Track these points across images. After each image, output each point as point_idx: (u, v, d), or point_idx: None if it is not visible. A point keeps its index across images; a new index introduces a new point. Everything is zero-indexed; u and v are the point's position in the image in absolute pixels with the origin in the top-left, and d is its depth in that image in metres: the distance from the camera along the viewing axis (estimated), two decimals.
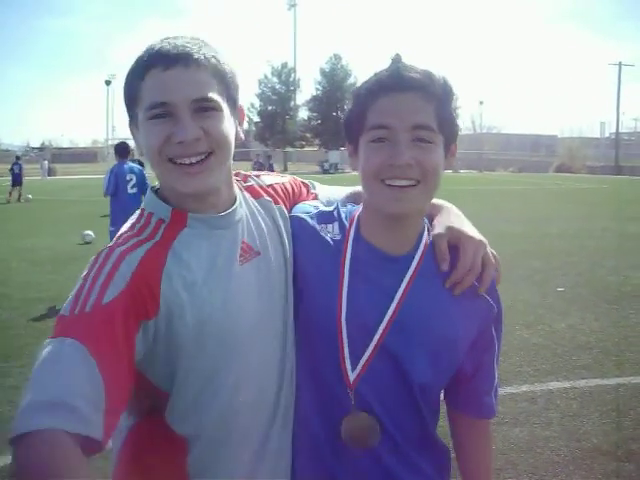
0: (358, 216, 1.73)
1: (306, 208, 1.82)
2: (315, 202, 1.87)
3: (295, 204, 1.83)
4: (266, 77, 78.02)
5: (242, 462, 1.55)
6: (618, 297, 9.08)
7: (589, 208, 22.77)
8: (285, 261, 1.68)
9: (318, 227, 1.75)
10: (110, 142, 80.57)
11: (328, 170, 56.01)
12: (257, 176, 1.81)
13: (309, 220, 1.76)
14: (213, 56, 1.49)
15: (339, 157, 61.01)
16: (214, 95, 1.46)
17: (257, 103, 78.11)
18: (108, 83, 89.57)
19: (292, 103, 77.90)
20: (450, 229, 1.68)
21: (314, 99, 75.07)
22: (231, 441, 1.54)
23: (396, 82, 1.56)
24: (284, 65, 77.86)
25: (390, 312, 1.60)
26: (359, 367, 1.61)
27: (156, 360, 1.43)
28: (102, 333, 1.28)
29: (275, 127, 76.29)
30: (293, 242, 1.73)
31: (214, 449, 1.52)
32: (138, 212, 1.57)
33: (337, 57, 76.47)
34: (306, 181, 1.96)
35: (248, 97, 76.27)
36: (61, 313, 1.32)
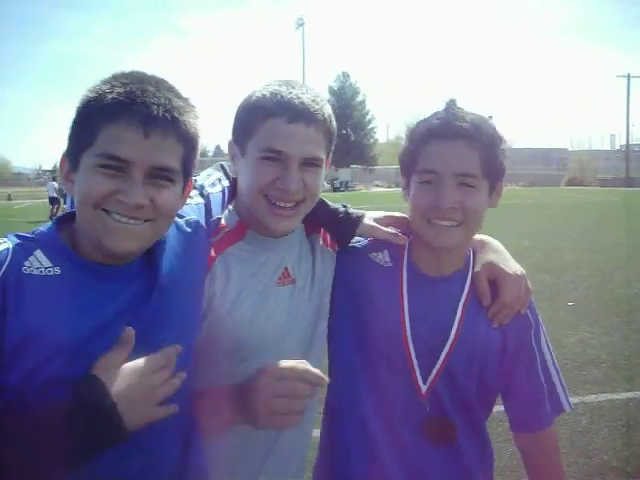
0: (409, 244, 1.87)
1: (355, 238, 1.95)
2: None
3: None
4: None
5: (247, 457, 1.73)
6: (628, 310, 9.02)
7: (600, 221, 22.67)
8: (316, 291, 1.85)
9: (369, 256, 1.90)
10: None
11: (339, 188, 56.10)
12: None
13: (359, 248, 1.92)
14: (329, 116, 1.69)
15: (349, 175, 61.18)
16: (321, 155, 1.68)
17: None
18: None
19: None
20: (489, 265, 1.84)
21: None
22: (237, 436, 1.67)
23: (445, 130, 1.69)
24: None
25: (452, 334, 1.77)
26: (429, 380, 1.79)
27: None
28: None
29: None
30: (341, 270, 1.90)
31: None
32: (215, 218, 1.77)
33: (345, 75, 77.08)
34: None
35: None
36: None
